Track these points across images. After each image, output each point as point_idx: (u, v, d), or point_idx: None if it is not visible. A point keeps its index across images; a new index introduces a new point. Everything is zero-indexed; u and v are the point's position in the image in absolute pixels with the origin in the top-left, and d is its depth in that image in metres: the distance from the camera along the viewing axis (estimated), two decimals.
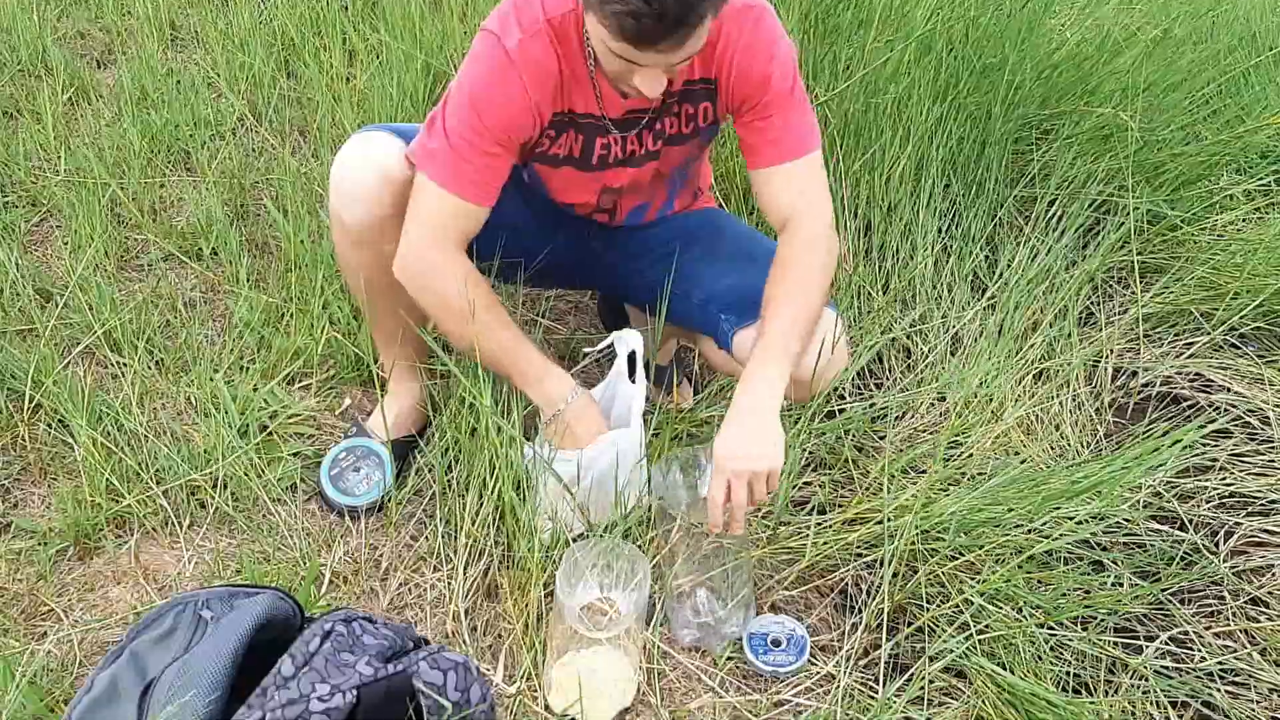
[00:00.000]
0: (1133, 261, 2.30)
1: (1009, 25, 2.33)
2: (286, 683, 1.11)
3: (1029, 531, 1.75)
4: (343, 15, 2.96)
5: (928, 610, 1.69)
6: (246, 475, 1.82)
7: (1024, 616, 1.69)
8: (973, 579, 1.71)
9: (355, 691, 1.09)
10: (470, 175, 1.56)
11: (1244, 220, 2.51)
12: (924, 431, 2.08)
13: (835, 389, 2.09)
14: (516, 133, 1.57)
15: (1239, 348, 2.31)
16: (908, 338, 2.23)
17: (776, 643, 1.67)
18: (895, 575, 1.70)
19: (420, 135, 1.60)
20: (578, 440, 1.64)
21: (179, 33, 3.06)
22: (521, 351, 1.65)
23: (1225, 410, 2.22)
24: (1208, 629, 1.80)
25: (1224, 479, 2.08)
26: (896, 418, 2.08)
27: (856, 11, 2.30)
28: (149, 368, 2.01)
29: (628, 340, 1.71)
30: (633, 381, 1.71)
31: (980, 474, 1.92)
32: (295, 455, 1.91)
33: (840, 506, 1.85)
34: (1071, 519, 1.78)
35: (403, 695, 1.14)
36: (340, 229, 1.69)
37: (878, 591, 1.70)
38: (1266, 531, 1.97)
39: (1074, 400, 2.20)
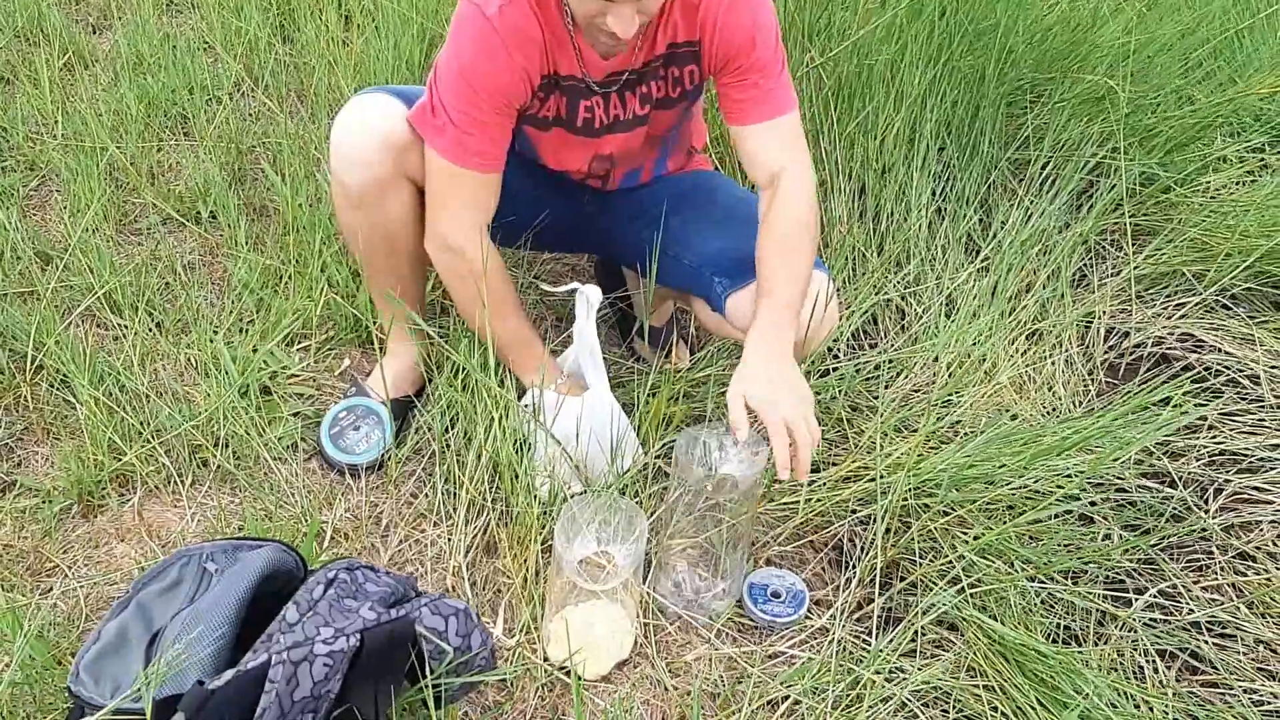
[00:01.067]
0: (1125, 223, 2.32)
1: None
2: (291, 627, 1.13)
3: (1021, 488, 1.78)
4: None
5: (920, 565, 1.72)
6: (247, 434, 1.84)
7: (1015, 570, 1.72)
8: (964, 534, 1.74)
9: (359, 635, 1.11)
10: (475, 147, 1.58)
11: (1236, 183, 2.53)
12: (918, 391, 2.10)
13: (829, 348, 2.11)
14: (510, 98, 1.59)
15: (1230, 308, 2.33)
16: (901, 299, 2.24)
17: (776, 595, 1.69)
18: (888, 531, 1.73)
19: (421, 105, 1.61)
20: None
21: None
22: (520, 344, 1.76)
23: (1216, 370, 2.24)
24: (1196, 583, 1.83)
25: (1214, 437, 2.10)
26: (890, 377, 2.10)
27: None
28: (149, 329, 2.03)
29: (589, 295, 1.72)
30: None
31: (972, 432, 1.94)
32: (295, 415, 1.93)
33: (834, 464, 1.87)
34: (1065, 475, 1.81)
35: (405, 640, 1.16)
36: (340, 191, 1.70)
37: (871, 546, 1.72)
38: (1255, 488, 2.00)
39: (1066, 360, 2.22)
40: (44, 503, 1.75)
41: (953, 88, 2.35)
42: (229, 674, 1.07)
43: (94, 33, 2.92)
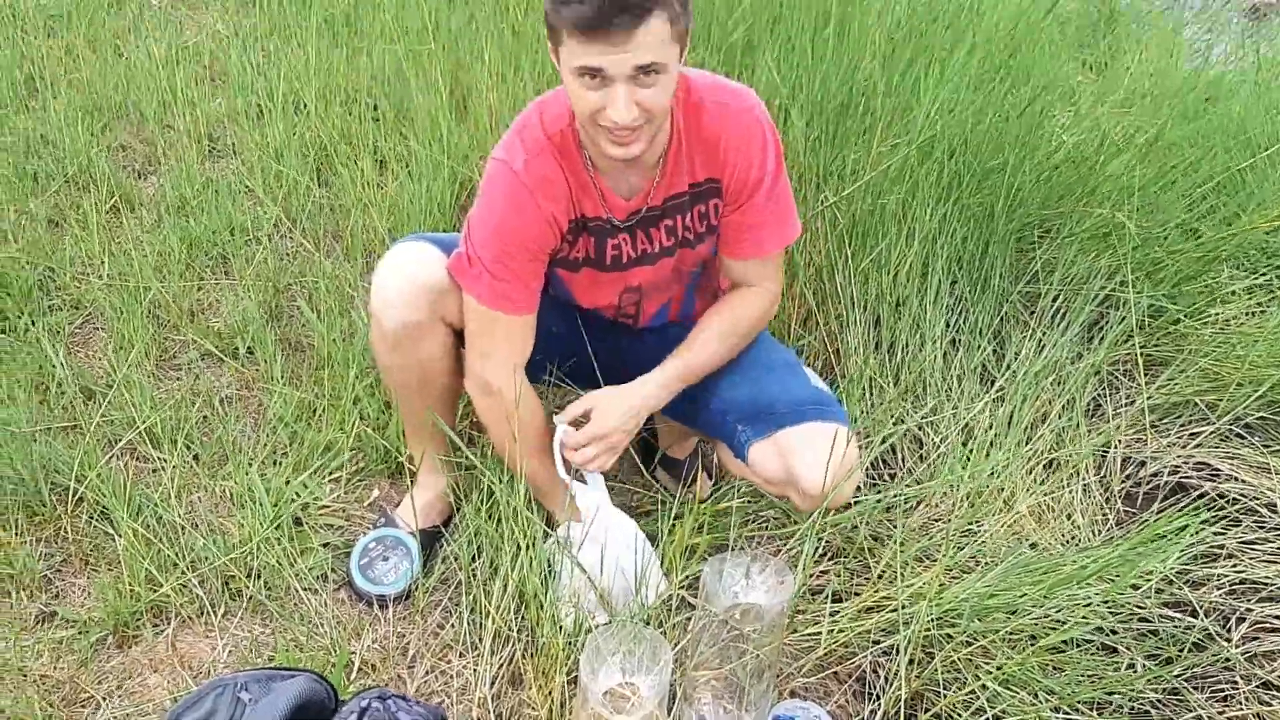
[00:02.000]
0: (1136, 354, 2.37)
1: (1007, 129, 2.44)
2: None
3: (1043, 617, 1.79)
4: (373, 125, 3.10)
5: (944, 696, 1.73)
6: (279, 565, 1.88)
7: (1039, 701, 1.72)
8: (988, 664, 1.75)
9: None
10: (509, 292, 1.67)
11: (1246, 314, 2.58)
12: (938, 521, 2.12)
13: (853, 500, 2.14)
14: (541, 245, 1.68)
15: (1244, 437, 2.36)
16: (919, 429, 2.29)
17: None
18: (912, 662, 1.74)
19: (458, 255, 1.70)
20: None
21: (216, 144, 3.21)
22: (555, 482, 1.80)
23: (1233, 499, 2.26)
24: (1221, 713, 1.82)
25: (1234, 566, 2.11)
26: (910, 508, 2.13)
27: (860, 120, 2.42)
28: (187, 462, 2.10)
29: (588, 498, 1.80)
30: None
31: (993, 561, 1.96)
32: (325, 545, 1.98)
33: (857, 594, 1.89)
34: (1085, 605, 1.83)
35: None
36: (379, 333, 1.78)
37: (895, 678, 1.73)
38: (1277, 618, 2.00)
39: (1084, 489, 2.25)
40: (80, 633, 1.79)
41: (963, 225, 2.43)
42: None
43: (139, 177, 3.06)
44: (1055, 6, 3.04)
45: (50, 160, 2.98)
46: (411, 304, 1.73)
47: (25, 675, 1.71)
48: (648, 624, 1.75)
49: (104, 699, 1.69)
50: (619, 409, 1.76)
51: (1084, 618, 1.83)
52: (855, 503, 2.07)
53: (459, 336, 1.80)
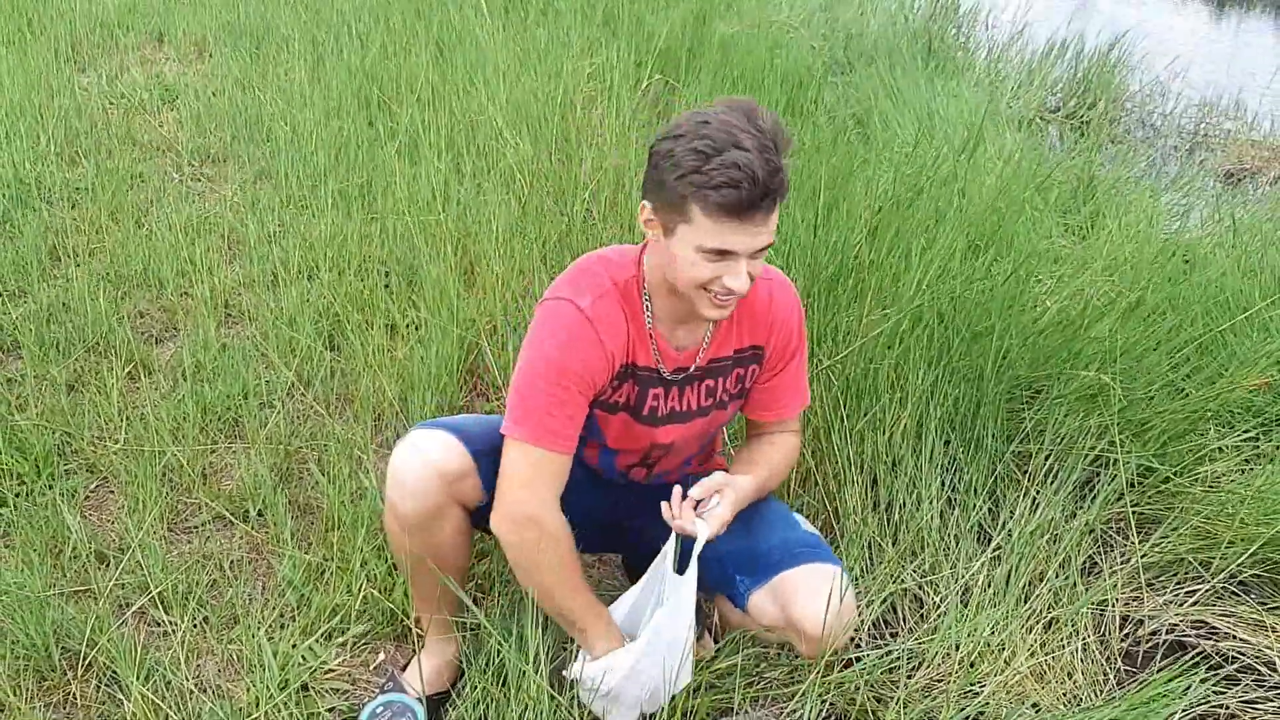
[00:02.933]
0: (1128, 513, 2.42)
1: (993, 296, 2.55)
2: None
3: None
4: (385, 293, 3.22)
5: None
6: None
7: None
8: None
9: None
10: (555, 427, 1.72)
11: (1237, 470, 2.64)
12: (940, 681, 2.14)
13: (851, 636, 2.16)
14: (595, 381, 1.75)
15: (1239, 595, 2.39)
16: (919, 588, 2.32)
17: None
18: None
19: (508, 410, 1.77)
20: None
21: (231, 311, 3.32)
22: (592, 615, 1.79)
23: (1231, 657, 2.28)
24: None
25: None
26: (912, 668, 2.14)
27: (852, 289, 2.53)
28: (196, 625, 2.12)
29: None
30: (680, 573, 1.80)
31: None
32: (331, 710, 1.99)
33: None
34: None
35: None
36: (394, 516, 1.83)
37: None
38: None
39: (1084, 648, 2.26)
40: None
41: (954, 387, 2.52)
42: None
43: (157, 343, 3.17)
44: (1034, 182, 3.22)
45: (71, 327, 3.09)
46: (428, 491, 1.78)
47: None
48: None
49: None
50: (738, 484, 1.82)
51: None
52: (856, 659, 2.09)
53: (470, 514, 1.86)
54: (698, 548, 1.74)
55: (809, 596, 1.77)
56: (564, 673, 1.84)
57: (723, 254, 1.61)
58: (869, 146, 4.17)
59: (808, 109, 4.74)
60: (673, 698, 1.81)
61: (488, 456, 1.80)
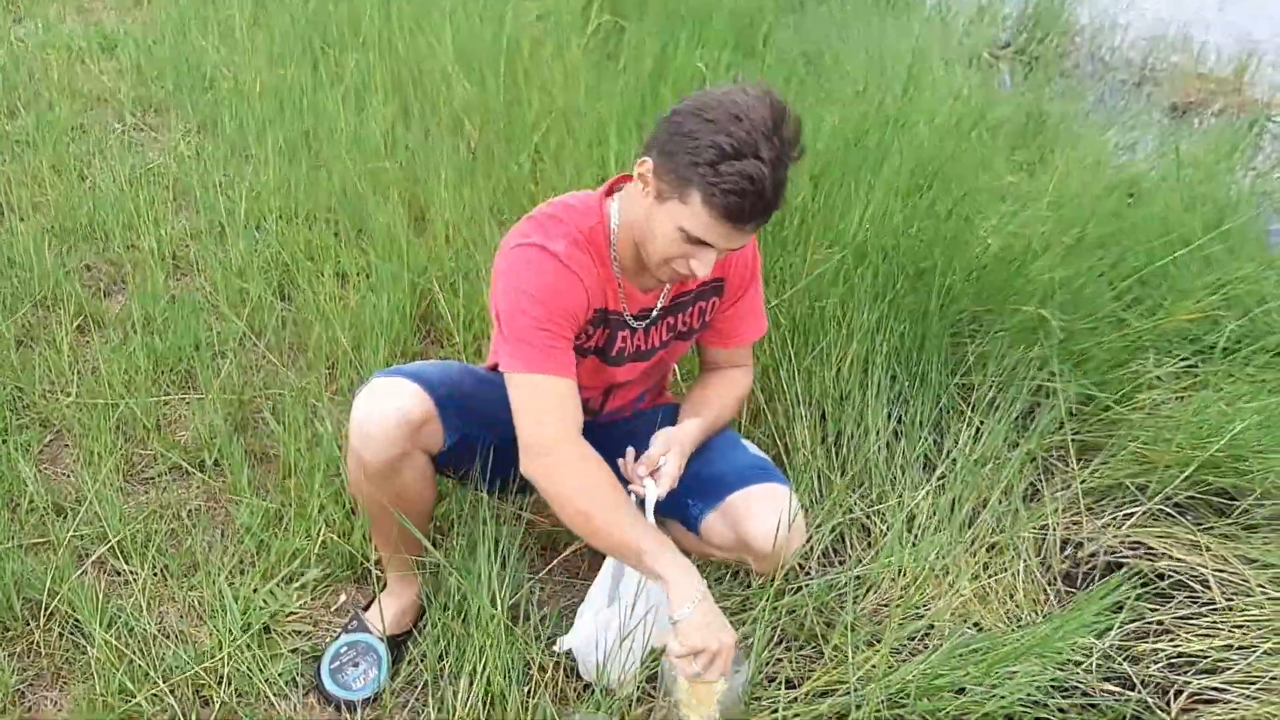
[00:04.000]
0: (1068, 441, 2.50)
1: (936, 234, 2.60)
2: None
3: (987, 695, 1.88)
4: (334, 241, 3.22)
5: None
6: (249, 672, 1.93)
7: None
8: None
9: None
10: (550, 355, 1.72)
11: (1176, 397, 2.72)
12: (886, 606, 2.21)
13: (801, 565, 2.23)
14: (577, 319, 1.78)
15: (1174, 516, 2.48)
16: (866, 518, 2.39)
17: None
18: None
19: (496, 350, 1.81)
20: (706, 636, 1.63)
21: (180, 263, 3.30)
22: (650, 539, 1.68)
23: (1167, 576, 2.37)
24: None
25: (1171, 640, 2.21)
26: (860, 593, 2.21)
27: (798, 228, 2.57)
28: (157, 573, 2.15)
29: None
30: None
31: (940, 643, 2.05)
32: (294, 651, 2.03)
33: (808, 679, 1.97)
34: (1029, 681, 1.92)
35: None
36: (357, 464, 1.84)
37: None
38: (1214, 689, 2.10)
39: (1025, 570, 2.34)
40: None
41: (899, 323, 2.57)
42: None
43: (106, 296, 3.14)
44: (982, 118, 3.26)
45: (17, 282, 3.05)
46: (392, 439, 1.78)
47: None
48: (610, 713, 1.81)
49: None
50: (683, 437, 1.89)
51: (1027, 694, 1.92)
52: (805, 586, 2.16)
53: (433, 460, 1.89)
54: (649, 506, 1.80)
55: (760, 515, 1.84)
56: (554, 647, 1.88)
57: (701, 243, 1.65)
58: (820, 85, 4.17)
59: (758, 49, 4.73)
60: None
61: (449, 402, 1.82)
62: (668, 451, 1.85)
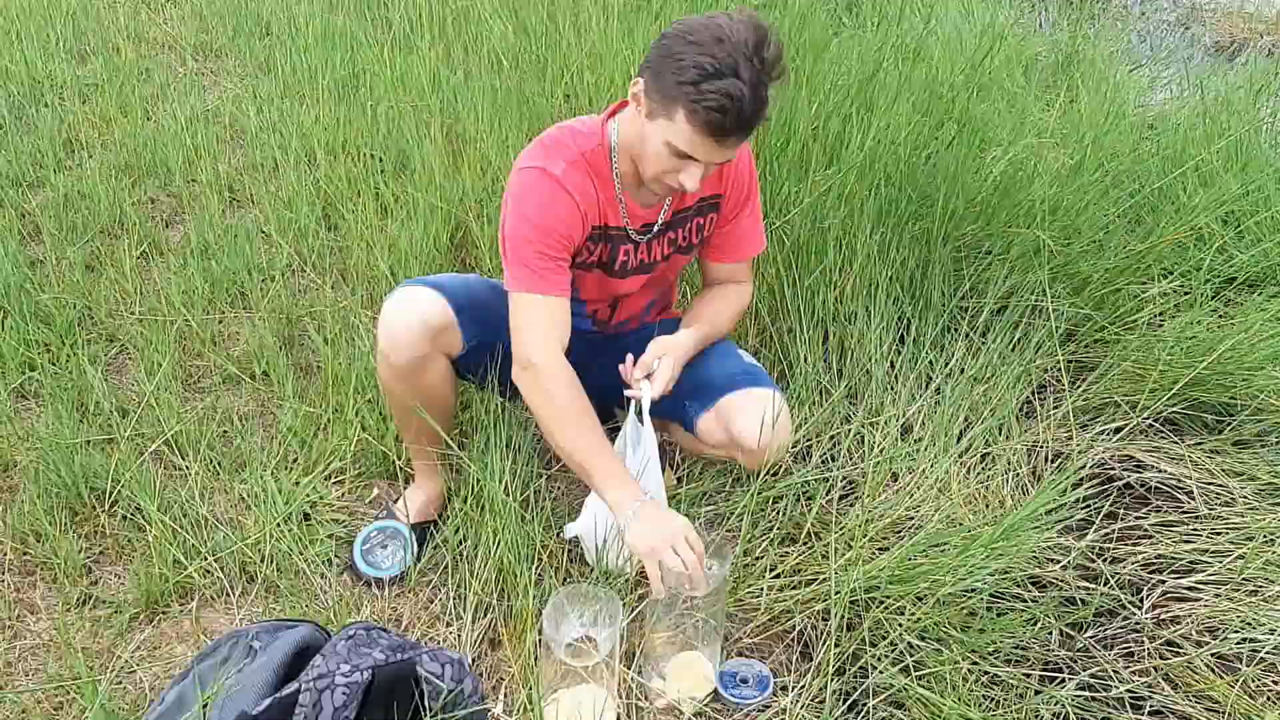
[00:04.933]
0: (1059, 361, 2.62)
1: (940, 161, 2.71)
2: (316, 666, 1.41)
3: (961, 583, 2.03)
4: (377, 175, 3.41)
5: (871, 651, 1.96)
6: (290, 551, 2.15)
7: (959, 657, 1.95)
8: (912, 625, 1.98)
9: (371, 670, 1.39)
10: (547, 275, 1.91)
11: (1170, 318, 2.82)
12: (878, 508, 2.36)
13: (794, 467, 2.39)
14: (573, 239, 1.95)
15: (1163, 432, 2.59)
16: (864, 429, 2.53)
17: (745, 680, 1.95)
18: (846, 627, 1.98)
19: (505, 272, 1.96)
20: (651, 538, 1.82)
21: (235, 195, 3.52)
22: (600, 460, 1.89)
23: (1154, 488, 2.49)
24: (1126, 668, 2.05)
25: (1152, 544, 2.34)
26: (854, 497, 2.37)
27: (799, 153, 2.70)
28: (209, 468, 2.37)
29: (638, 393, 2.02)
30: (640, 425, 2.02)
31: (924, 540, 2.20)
32: (330, 537, 2.25)
33: (798, 572, 2.13)
34: (1001, 573, 2.07)
35: (408, 677, 1.43)
36: (385, 365, 2.05)
37: (828, 638, 1.97)
38: (1187, 588, 2.22)
39: (1015, 480, 2.48)
40: (116, 612, 2.05)
41: (904, 249, 2.70)
42: (267, 701, 1.35)
43: (166, 226, 3.38)
44: (998, 50, 3.33)
45: (86, 212, 3.30)
46: (416, 342, 1.99)
47: (69, 647, 1.97)
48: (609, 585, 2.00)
49: (136, 665, 1.95)
50: (678, 345, 2.05)
51: (999, 585, 2.07)
52: (803, 483, 2.31)
53: (454, 364, 2.08)
54: (645, 405, 1.98)
55: (748, 415, 2.01)
56: (562, 534, 2.07)
57: (688, 158, 1.80)
58: (854, 26, 4.26)
59: None
60: None
61: (466, 310, 2.01)
62: (662, 356, 2.01)
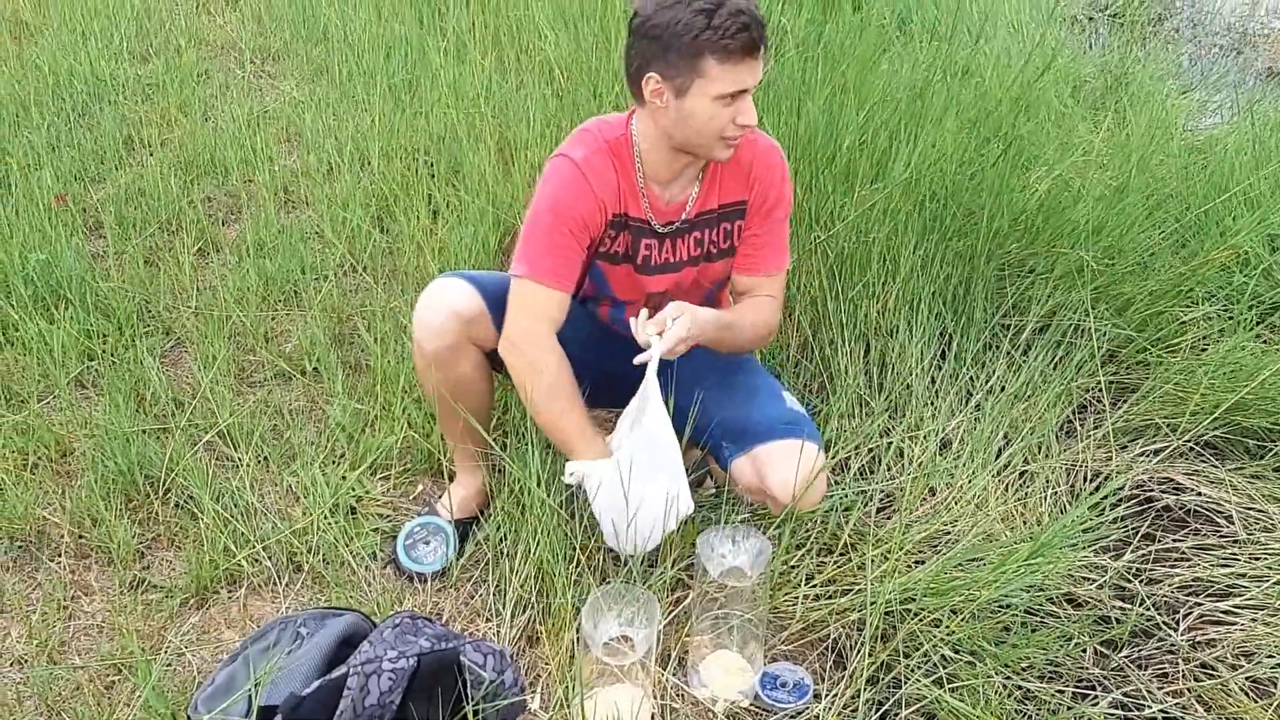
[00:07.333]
0: (1100, 381, 2.62)
1: (984, 178, 2.73)
2: (363, 651, 1.46)
3: (997, 599, 2.04)
4: (429, 179, 3.48)
5: (905, 661, 1.98)
6: (336, 543, 2.20)
7: (992, 670, 1.97)
8: (948, 637, 2.00)
9: (416, 658, 1.44)
10: (551, 265, 1.96)
11: (1208, 340, 2.82)
12: (916, 523, 2.38)
13: (835, 480, 2.41)
14: (587, 225, 1.98)
15: (1203, 455, 2.59)
16: (903, 443, 2.55)
17: (784, 684, 1.98)
18: (881, 638, 2.00)
19: (515, 254, 2.01)
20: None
21: (291, 196, 3.60)
22: (577, 427, 1.99)
23: (1194, 511, 2.49)
24: (1160, 689, 2.05)
25: (1190, 567, 2.34)
26: (893, 511, 2.39)
27: (845, 166, 2.73)
28: (259, 460, 2.43)
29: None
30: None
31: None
32: (375, 530, 2.30)
33: (834, 582, 2.15)
34: (1036, 589, 2.08)
35: (452, 665, 1.48)
36: (420, 354, 2.11)
37: (862, 647, 1.99)
38: (1223, 611, 2.22)
39: (1053, 498, 2.49)
40: (167, 596, 2.12)
41: (947, 264, 2.72)
42: (316, 683, 1.40)
43: (223, 225, 3.46)
44: (1048, 69, 3.35)
45: (146, 209, 3.39)
46: (447, 331, 2.05)
47: (122, 628, 2.04)
48: (648, 585, 2.03)
49: (185, 648, 2.01)
50: (697, 311, 1.99)
51: (1033, 601, 2.08)
52: (832, 495, 2.34)
53: (489, 357, 2.12)
54: (653, 361, 1.93)
55: (782, 467, 2.03)
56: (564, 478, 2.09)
57: (738, 95, 1.85)
58: (904, 40, 4.28)
59: (846, 11, 4.83)
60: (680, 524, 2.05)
61: (499, 303, 2.06)
62: (679, 317, 1.96)
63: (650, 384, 1.94)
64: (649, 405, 1.95)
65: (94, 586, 2.16)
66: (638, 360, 1.94)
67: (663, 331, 1.94)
